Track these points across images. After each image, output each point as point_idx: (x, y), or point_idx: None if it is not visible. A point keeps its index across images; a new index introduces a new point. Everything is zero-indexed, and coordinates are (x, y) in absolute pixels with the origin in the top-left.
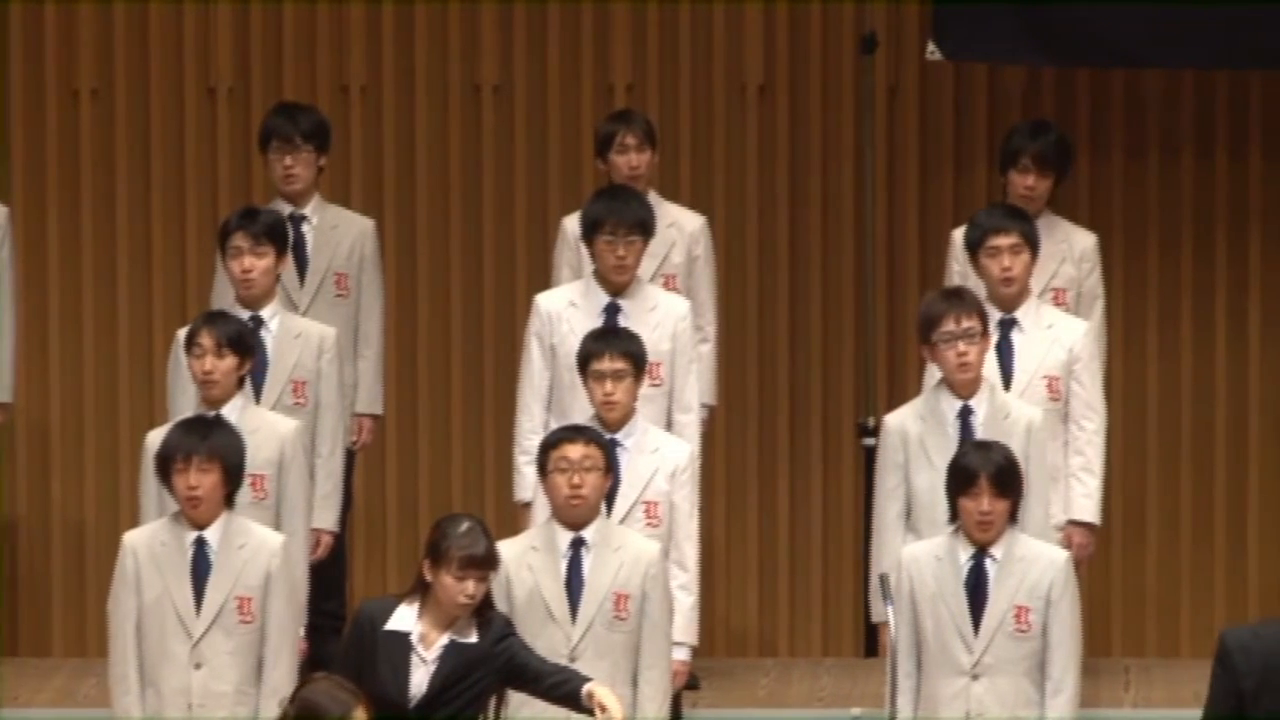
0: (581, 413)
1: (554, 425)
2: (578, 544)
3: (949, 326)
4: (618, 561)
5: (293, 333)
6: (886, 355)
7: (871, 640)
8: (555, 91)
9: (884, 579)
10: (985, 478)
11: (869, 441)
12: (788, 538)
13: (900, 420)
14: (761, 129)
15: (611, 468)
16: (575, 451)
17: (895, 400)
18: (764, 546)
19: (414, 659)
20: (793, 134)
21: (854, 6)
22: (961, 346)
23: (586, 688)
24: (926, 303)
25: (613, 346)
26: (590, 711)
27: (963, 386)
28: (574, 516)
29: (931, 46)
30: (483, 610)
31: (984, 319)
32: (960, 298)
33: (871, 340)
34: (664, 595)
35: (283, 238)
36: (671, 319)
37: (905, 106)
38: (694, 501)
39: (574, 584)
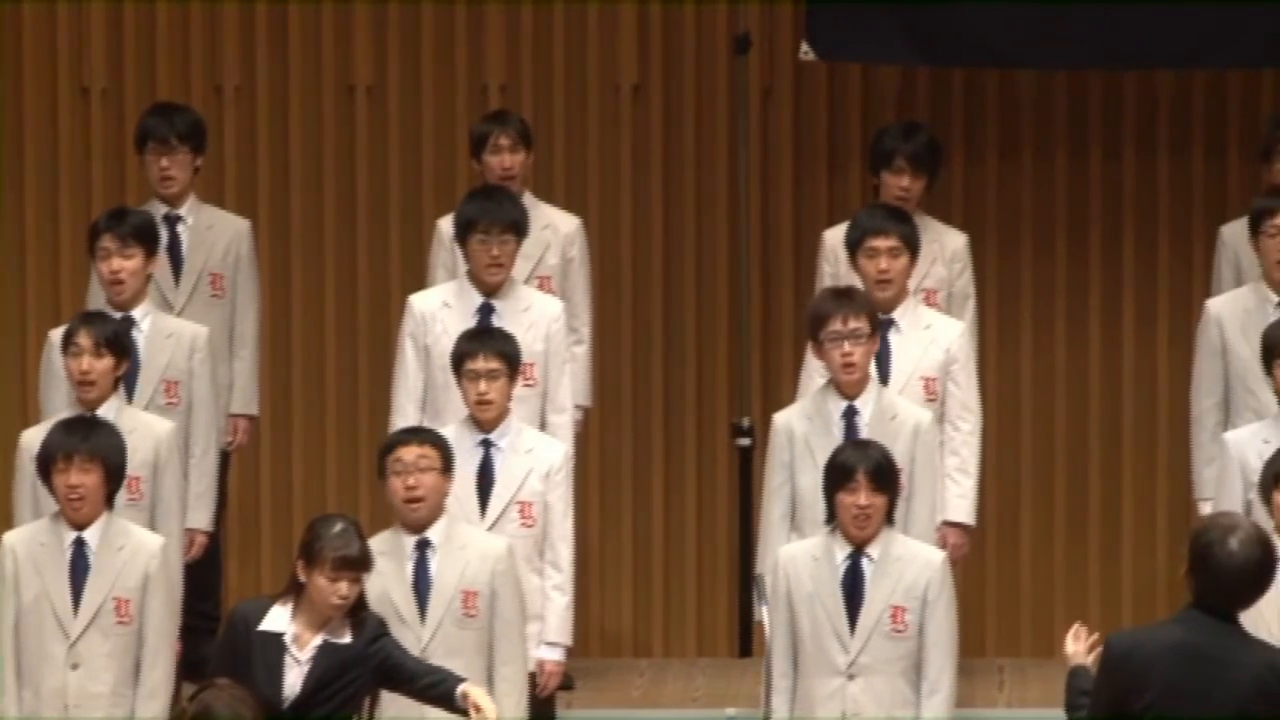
0: (455, 413)
1: (429, 426)
2: (423, 545)
3: (836, 326)
4: (464, 560)
5: (164, 333)
6: (761, 355)
7: (746, 640)
8: (429, 92)
9: (759, 579)
10: (863, 472)
11: (744, 442)
12: (662, 538)
13: (787, 419)
14: (635, 129)
15: (450, 467)
16: (410, 453)
17: (770, 400)
18: (639, 547)
19: (288, 659)
20: (667, 134)
21: (728, 7)
22: (847, 347)
23: (461, 688)
24: (816, 301)
25: (487, 346)
26: (465, 712)
27: (847, 387)
28: (413, 519)
29: (805, 47)
30: (356, 611)
31: (874, 320)
32: (850, 298)
33: (746, 341)
34: (514, 591)
35: (152, 238)
36: (545, 319)
37: (779, 107)
38: (568, 501)
39: (421, 585)
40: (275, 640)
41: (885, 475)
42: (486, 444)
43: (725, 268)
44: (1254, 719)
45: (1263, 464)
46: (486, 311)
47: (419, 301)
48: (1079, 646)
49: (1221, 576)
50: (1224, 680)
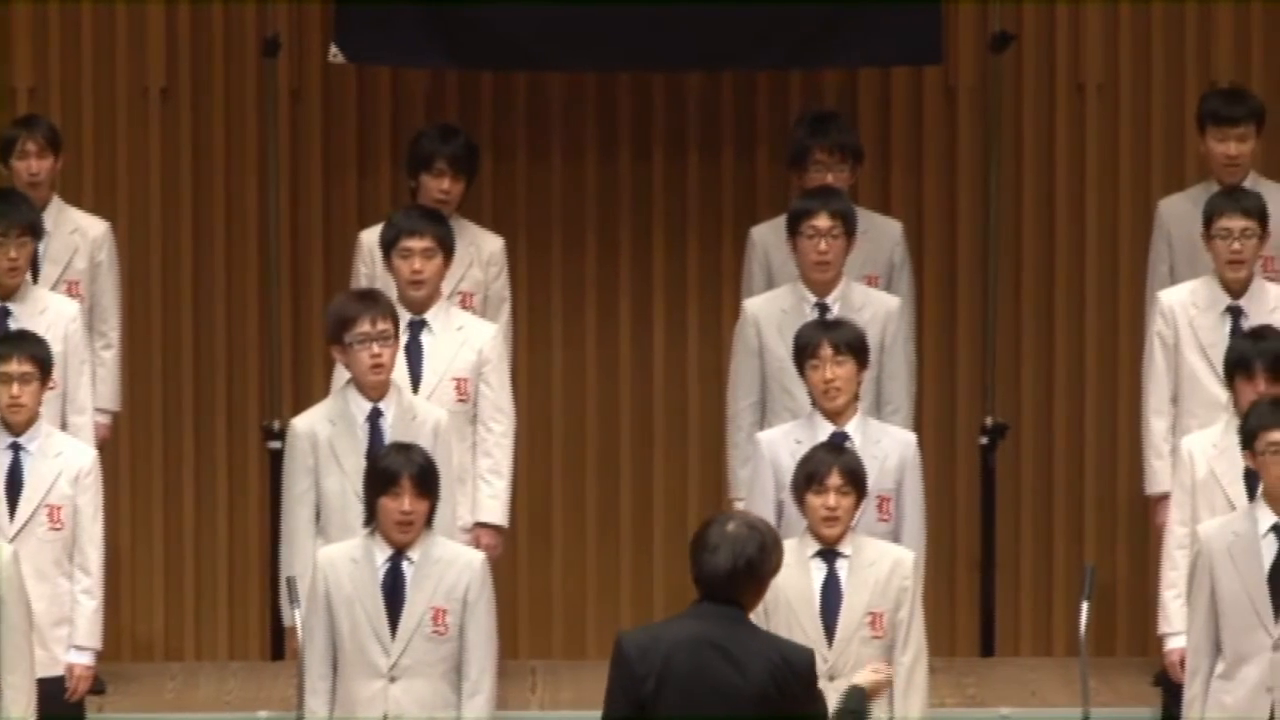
0: None
1: None
2: None
3: (364, 328)
4: None
5: None
6: (292, 357)
7: (278, 643)
8: None
9: (291, 582)
10: (407, 478)
11: (274, 445)
12: (193, 541)
13: (309, 423)
14: (164, 132)
15: None
16: None
17: (301, 403)
18: (170, 550)
19: None
20: (195, 137)
21: (256, 8)
22: (375, 348)
23: None
24: (339, 303)
25: (19, 350)
26: None
27: (374, 388)
28: None
29: (334, 49)
30: None
31: (396, 321)
32: (375, 299)
33: (276, 343)
34: (19, 598)
35: None
36: (62, 321)
37: (309, 109)
38: (98, 505)
39: None
40: None
41: (428, 479)
42: (16, 447)
43: (255, 270)
44: (770, 707)
45: (794, 464)
46: (3, 315)
47: None
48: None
49: (718, 570)
50: (740, 669)
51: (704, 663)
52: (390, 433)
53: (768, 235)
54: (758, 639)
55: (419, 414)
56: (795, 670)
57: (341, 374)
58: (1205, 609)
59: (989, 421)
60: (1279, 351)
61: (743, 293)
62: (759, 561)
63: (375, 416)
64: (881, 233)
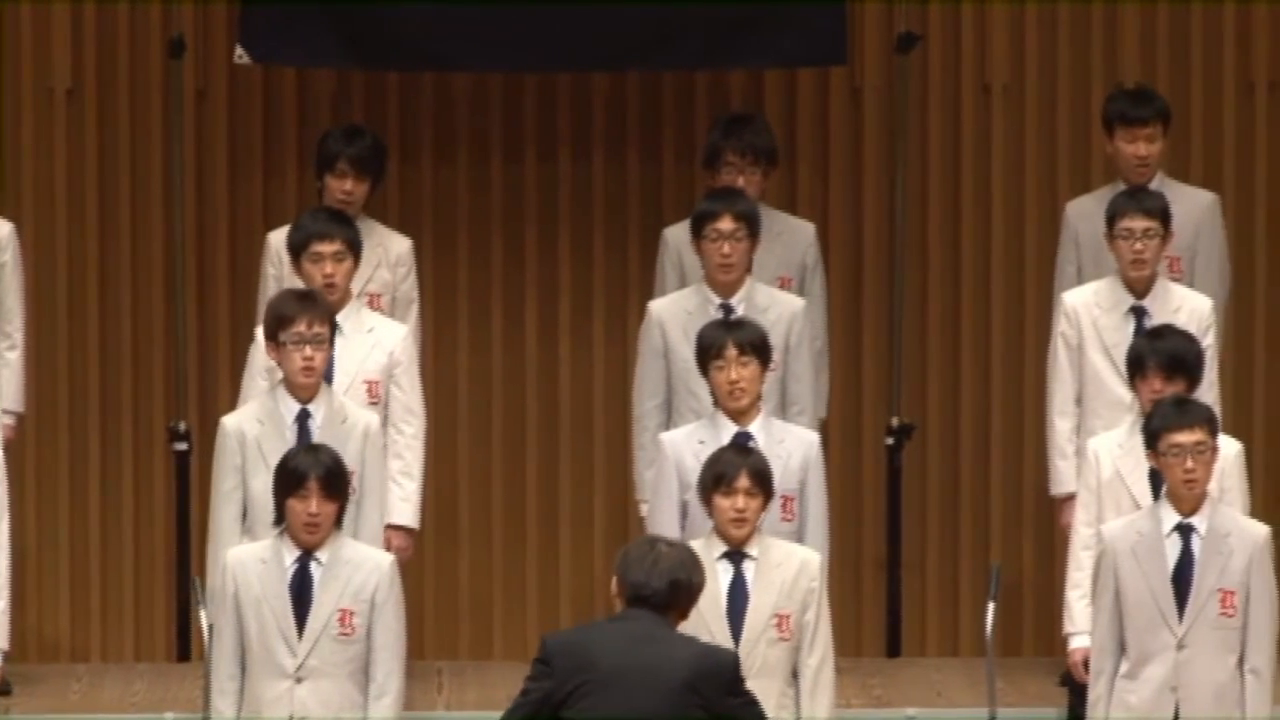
0: None
1: None
2: None
3: (299, 328)
4: None
5: None
6: (198, 358)
7: (185, 644)
8: None
9: (195, 583)
10: (315, 479)
11: (180, 446)
12: (100, 542)
13: (238, 423)
14: (70, 133)
15: None
16: None
17: (207, 403)
18: (76, 551)
19: None
20: (101, 138)
21: (161, 9)
22: (308, 350)
23: None
24: (279, 301)
25: None
26: None
27: (303, 390)
28: None
29: (240, 50)
30: None
31: (333, 325)
32: (314, 302)
33: (182, 344)
34: None
35: None
36: None
37: (214, 110)
38: (3, 505)
39: None
40: None
41: (336, 481)
42: None
43: (161, 270)
44: (693, 703)
45: (698, 464)
46: None
47: None
48: None
49: (651, 587)
50: (667, 658)
51: (633, 652)
52: (319, 434)
53: (680, 235)
54: (683, 639)
55: (349, 417)
56: (720, 664)
57: (252, 377)
58: (1109, 609)
59: (895, 422)
60: (1173, 351)
61: (655, 292)
62: (689, 583)
63: (304, 418)
64: (795, 235)
